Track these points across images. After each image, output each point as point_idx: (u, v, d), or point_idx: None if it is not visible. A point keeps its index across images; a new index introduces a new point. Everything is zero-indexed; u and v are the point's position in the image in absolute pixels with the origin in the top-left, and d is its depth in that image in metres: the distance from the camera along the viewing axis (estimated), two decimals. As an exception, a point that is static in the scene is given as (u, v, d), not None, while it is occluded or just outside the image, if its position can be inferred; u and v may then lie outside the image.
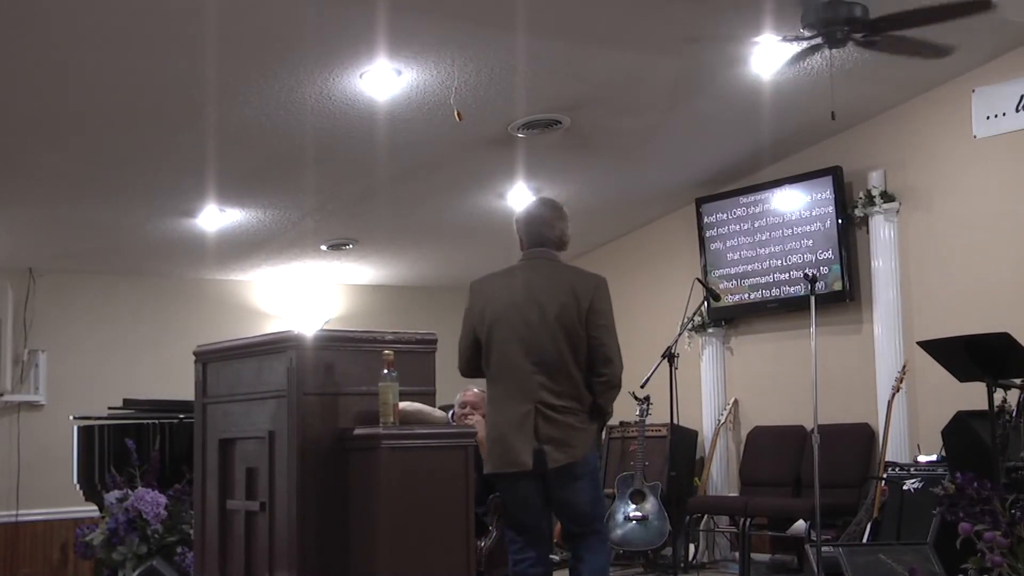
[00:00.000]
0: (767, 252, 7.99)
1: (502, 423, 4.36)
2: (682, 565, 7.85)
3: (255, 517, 3.88)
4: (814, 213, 7.68)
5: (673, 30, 5.90)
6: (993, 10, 5.63)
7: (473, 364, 4.50)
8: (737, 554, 7.74)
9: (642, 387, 6.72)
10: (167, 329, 8.92)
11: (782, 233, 7.88)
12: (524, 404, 4.31)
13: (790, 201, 7.84)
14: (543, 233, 4.53)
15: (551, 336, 4.33)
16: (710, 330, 8.46)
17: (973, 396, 5.56)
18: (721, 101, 6.82)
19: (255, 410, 3.92)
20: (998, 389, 5.24)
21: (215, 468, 4.09)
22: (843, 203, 7.54)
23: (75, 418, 6.93)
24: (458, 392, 5.66)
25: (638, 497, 7.72)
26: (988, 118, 6.81)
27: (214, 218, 7.84)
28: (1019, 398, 5.50)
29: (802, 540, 6.99)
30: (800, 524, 7.22)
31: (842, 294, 7.53)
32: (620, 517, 7.72)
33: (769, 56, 6.14)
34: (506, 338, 4.37)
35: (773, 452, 7.84)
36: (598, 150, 7.40)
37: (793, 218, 7.82)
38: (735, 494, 8.07)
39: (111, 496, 5.81)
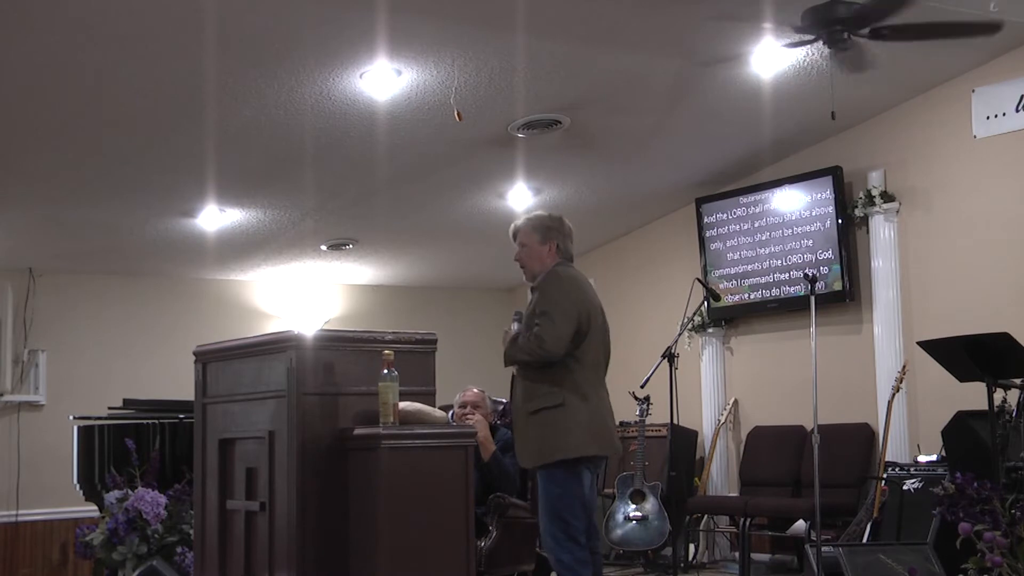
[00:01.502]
0: (767, 252, 7.99)
1: (601, 408, 4.63)
2: (682, 565, 7.85)
3: (255, 517, 3.87)
4: (814, 213, 7.68)
5: (673, 30, 5.90)
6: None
7: (569, 346, 4.58)
8: (737, 554, 7.74)
9: (642, 387, 6.72)
10: (167, 329, 8.92)
11: (782, 233, 7.89)
12: (606, 394, 4.72)
13: (790, 201, 7.84)
14: (571, 249, 4.87)
15: (607, 341, 4.81)
16: (710, 330, 8.46)
17: (973, 396, 5.56)
18: (721, 101, 6.82)
19: (255, 410, 3.91)
20: (998, 389, 5.24)
21: (215, 468, 4.08)
22: (843, 203, 7.54)
23: (75, 418, 6.94)
24: (458, 392, 5.66)
25: (638, 497, 7.72)
26: (988, 118, 6.81)
27: (214, 218, 7.85)
28: (1019, 398, 5.50)
29: (802, 540, 6.99)
30: (800, 524, 7.22)
31: (842, 294, 7.53)
32: (620, 517, 7.72)
33: (769, 56, 6.14)
34: (596, 333, 4.68)
35: (773, 452, 7.84)
36: (598, 150, 7.40)
37: (793, 218, 7.82)
38: (735, 494, 8.08)
39: (111, 496, 5.81)
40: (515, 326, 4.63)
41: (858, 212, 7.44)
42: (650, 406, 7.78)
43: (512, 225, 4.86)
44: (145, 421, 6.41)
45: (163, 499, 5.67)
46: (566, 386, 4.52)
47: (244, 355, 4.04)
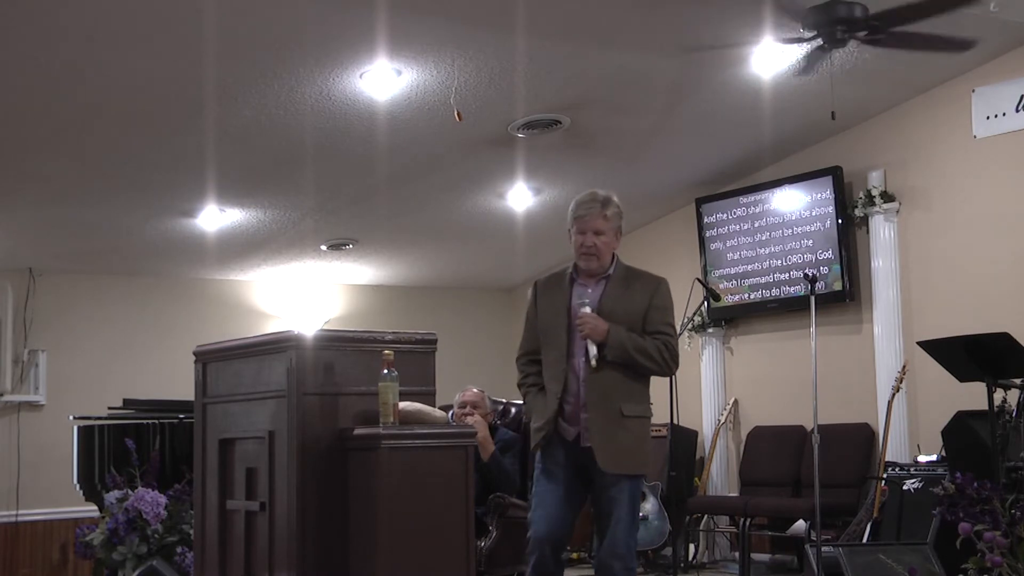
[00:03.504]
0: (767, 252, 7.99)
1: None
2: (682, 565, 7.85)
3: (255, 517, 3.87)
4: (814, 213, 7.68)
5: (673, 30, 5.90)
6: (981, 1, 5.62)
7: None
8: (737, 554, 7.74)
9: (642, 387, 6.71)
10: (167, 329, 8.92)
11: (782, 233, 7.88)
12: None
13: (790, 201, 7.84)
14: None
15: None
16: (710, 330, 8.46)
17: (973, 396, 5.56)
18: (721, 101, 6.82)
19: (255, 410, 3.91)
20: (998, 389, 5.24)
21: (215, 468, 4.08)
22: (843, 203, 7.54)
23: (75, 418, 6.93)
24: (457, 392, 5.66)
25: (638, 497, 7.71)
26: (988, 118, 6.81)
27: (214, 218, 7.85)
28: (1019, 398, 5.50)
29: (802, 540, 6.99)
30: (800, 524, 7.22)
31: (842, 294, 7.53)
32: (620, 517, 7.71)
33: (769, 56, 6.14)
34: None
35: (773, 452, 7.84)
36: (598, 150, 7.40)
37: (793, 218, 7.82)
38: (735, 494, 8.07)
39: (111, 496, 5.81)
40: (587, 308, 4.28)
41: (858, 212, 7.44)
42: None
43: (596, 202, 4.33)
44: (145, 421, 6.41)
45: (163, 499, 5.67)
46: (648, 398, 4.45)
47: (244, 355, 4.03)
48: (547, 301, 4.43)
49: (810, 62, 5.88)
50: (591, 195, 4.39)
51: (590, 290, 4.35)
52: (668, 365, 4.36)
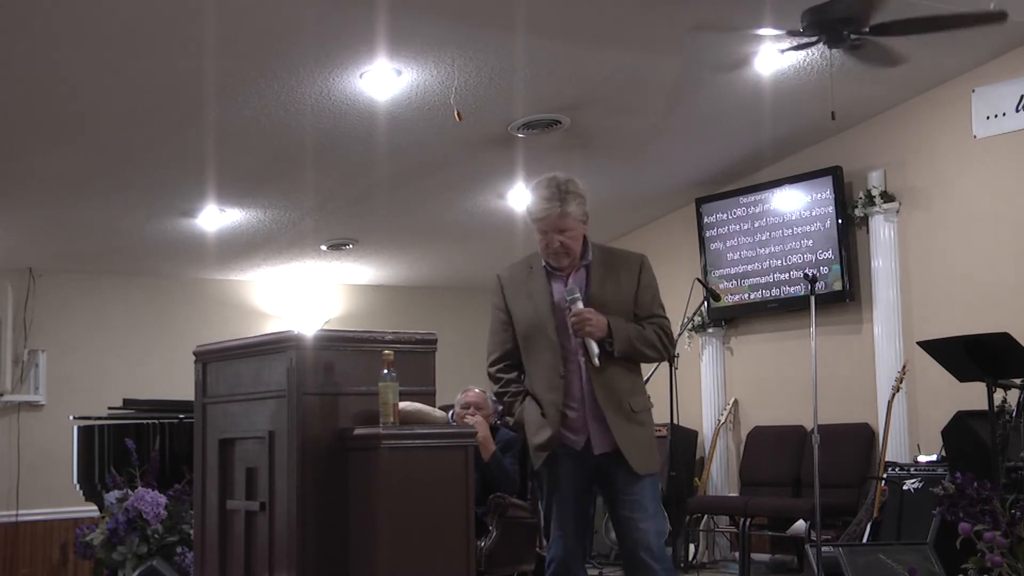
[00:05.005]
0: (767, 252, 7.99)
1: None
2: (682, 565, 7.85)
3: (255, 517, 3.87)
4: (814, 213, 7.68)
5: (673, 30, 5.90)
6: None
7: None
8: (737, 554, 7.74)
9: (642, 387, 6.70)
10: (167, 329, 8.92)
11: (782, 233, 7.89)
12: None
13: (790, 201, 7.84)
14: None
15: None
16: (710, 330, 8.46)
17: (973, 396, 5.57)
18: (721, 101, 6.82)
19: (255, 410, 3.91)
20: (998, 389, 5.24)
21: (215, 468, 4.08)
22: (843, 203, 7.54)
23: (75, 418, 6.93)
24: (458, 392, 5.66)
25: (638, 497, 7.70)
26: (988, 118, 6.81)
27: (214, 218, 7.85)
28: (1019, 398, 5.50)
29: (802, 540, 6.99)
30: (800, 524, 7.22)
31: (842, 294, 7.53)
32: (620, 517, 7.71)
33: (769, 56, 6.14)
34: None
35: (773, 452, 7.84)
36: (598, 150, 7.40)
37: (793, 218, 7.82)
38: (735, 494, 8.08)
39: (111, 496, 5.81)
40: (580, 304, 3.95)
41: (858, 212, 7.44)
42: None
43: (555, 200, 4.10)
44: (145, 421, 6.41)
45: (163, 499, 5.67)
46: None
47: (244, 355, 4.03)
48: (521, 299, 4.13)
49: (865, 58, 5.79)
50: (547, 190, 4.09)
51: (572, 282, 4.06)
52: (667, 350, 4.10)
